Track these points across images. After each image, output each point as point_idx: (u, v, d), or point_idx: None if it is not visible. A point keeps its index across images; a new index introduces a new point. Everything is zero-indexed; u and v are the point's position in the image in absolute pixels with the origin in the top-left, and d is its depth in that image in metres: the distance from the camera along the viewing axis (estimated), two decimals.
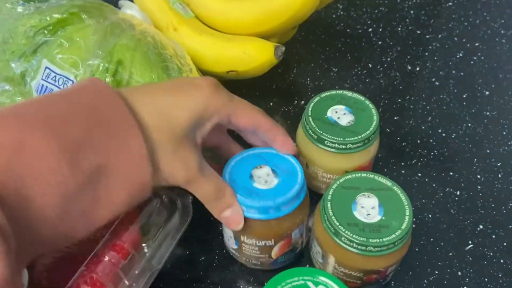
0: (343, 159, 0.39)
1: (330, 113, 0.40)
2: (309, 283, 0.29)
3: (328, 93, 0.42)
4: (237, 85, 0.54)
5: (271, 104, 0.54)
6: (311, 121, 0.39)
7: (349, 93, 0.42)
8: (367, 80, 0.56)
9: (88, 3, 0.39)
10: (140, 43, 0.38)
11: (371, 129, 0.38)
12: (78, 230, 0.27)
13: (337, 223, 0.32)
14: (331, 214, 0.33)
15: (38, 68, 0.37)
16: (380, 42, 0.61)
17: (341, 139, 0.38)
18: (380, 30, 0.62)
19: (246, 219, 0.33)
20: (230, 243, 0.37)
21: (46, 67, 0.37)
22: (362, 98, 0.41)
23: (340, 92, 0.42)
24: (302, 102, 0.54)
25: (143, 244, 0.32)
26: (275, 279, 0.29)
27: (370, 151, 0.40)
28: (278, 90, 0.55)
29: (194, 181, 0.31)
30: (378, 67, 0.57)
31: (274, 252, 0.36)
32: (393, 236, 0.31)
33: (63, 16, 0.37)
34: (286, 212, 0.33)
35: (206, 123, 0.32)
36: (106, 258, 0.29)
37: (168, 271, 0.39)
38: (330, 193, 0.34)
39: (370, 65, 0.58)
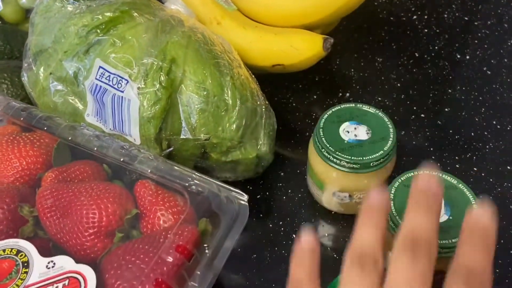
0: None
1: (342, 133, 0.38)
2: None
3: (338, 107, 0.39)
4: (279, 78, 0.53)
5: (315, 97, 0.53)
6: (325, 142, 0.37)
7: (359, 106, 0.39)
8: (414, 70, 0.54)
9: (137, 0, 0.39)
10: (191, 40, 0.38)
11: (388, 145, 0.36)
12: None
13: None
14: (395, 214, 0.32)
15: (91, 68, 0.37)
16: (426, 30, 0.58)
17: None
18: (425, 17, 0.60)
19: None
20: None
21: (100, 67, 0.37)
22: (373, 110, 0.39)
23: (350, 106, 0.39)
24: (347, 94, 0.53)
25: (204, 245, 0.32)
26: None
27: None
28: (322, 83, 0.54)
29: None
30: (426, 56, 0.55)
31: None
32: None
33: (114, 15, 0.37)
34: None
35: None
36: (171, 260, 0.29)
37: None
38: (392, 191, 0.33)
39: (416, 54, 0.56)
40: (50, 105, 0.40)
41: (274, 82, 0.53)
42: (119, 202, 0.33)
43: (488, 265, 0.24)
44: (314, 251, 0.27)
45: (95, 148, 0.36)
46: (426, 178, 0.27)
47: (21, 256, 0.30)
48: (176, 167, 0.35)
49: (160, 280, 0.28)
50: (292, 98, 0.52)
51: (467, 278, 0.24)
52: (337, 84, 0.54)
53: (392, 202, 0.33)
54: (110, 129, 0.38)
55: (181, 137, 0.37)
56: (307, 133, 0.49)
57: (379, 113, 0.38)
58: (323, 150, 0.37)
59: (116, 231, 0.32)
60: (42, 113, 0.39)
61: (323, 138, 0.37)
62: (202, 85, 0.36)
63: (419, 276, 0.24)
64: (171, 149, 0.38)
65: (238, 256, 0.40)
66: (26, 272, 0.29)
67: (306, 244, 0.27)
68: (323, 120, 0.38)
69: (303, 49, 0.44)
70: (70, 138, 0.37)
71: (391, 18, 0.61)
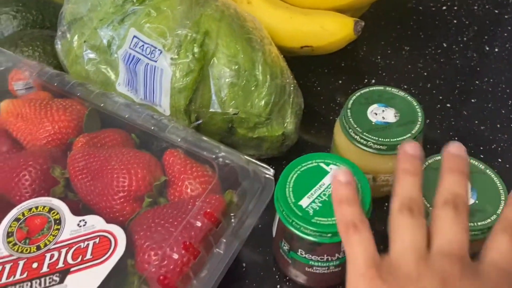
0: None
1: (370, 115, 0.38)
2: (321, 164, 0.34)
3: (367, 89, 0.39)
4: (304, 62, 0.54)
5: (340, 82, 0.53)
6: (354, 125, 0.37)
7: (388, 88, 0.39)
8: (442, 60, 0.54)
9: None
10: (224, 15, 0.38)
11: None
12: None
13: (429, 205, 0.31)
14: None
15: (125, 37, 0.38)
16: (455, 21, 0.58)
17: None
18: (455, 8, 0.59)
19: None
20: None
21: (134, 36, 0.37)
22: (402, 94, 0.39)
23: (379, 88, 0.39)
24: (373, 80, 0.52)
25: (231, 214, 0.32)
26: (291, 165, 0.34)
27: None
28: (348, 68, 0.54)
29: None
30: (454, 47, 0.55)
31: None
32: (489, 220, 0.30)
33: None
34: None
35: None
36: (199, 224, 0.30)
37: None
38: None
39: (444, 45, 0.55)
40: (82, 73, 0.41)
41: (300, 66, 0.53)
42: (148, 168, 0.34)
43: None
44: (351, 183, 0.31)
45: (126, 116, 0.37)
46: (457, 145, 0.31)
47: (53, 213, 0.31)
48: (204, 138, 0.36)
49: (188, 243, 0.29)
50: (317, 82, 0.53)
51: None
52: (363, 70, 0.54)
53: None
54: (140, 99, 0.39)
55: (210, 110, 0.38)
56: (331, 117, 0.50)
57: (408, 97, 0.38)
58: (350, 130, 0.37)
59: (145, 196, 0.33)
60: (75, 80, 0.39)
61: (350, 119, 0.37)
62: (234, 59, 0.37)
63: (463, 228, 0.28)
64: (200, 121, 0.38)
65: (257, 233, 0.41)
66: (58, 229, 0.30)
67: (344, 178, 0.31)
68: (351, 101, 0.38)
69: (334, 31, 0.44)
70: (101, 106, 0.38)
71: (420, 8, 0.60)
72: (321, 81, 0.53)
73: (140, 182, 0.33)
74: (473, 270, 0.27)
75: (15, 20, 0.51)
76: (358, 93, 0.39)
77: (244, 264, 0.39)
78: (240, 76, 0.37)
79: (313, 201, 0.32)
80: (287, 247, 0.34)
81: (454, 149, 0.31)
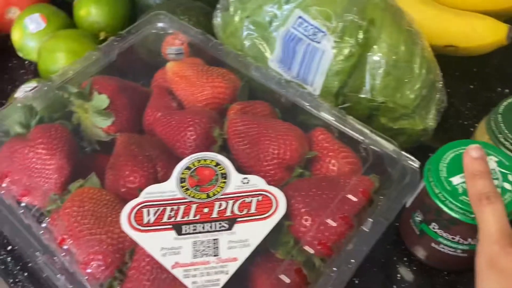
0: None
1: None
2: None
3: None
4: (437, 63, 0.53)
5: (471, 87, 0.52)
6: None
7: None
8: None
9: None
10: (388, 5, 0.39)
11: None
12: None
13: None
14: None
15: (288, 17, 0.40)
16: None
17: None
18: None
19: None
20: None
21: (299, 17, 0.39)
22: None
23: None
24: (507, 90, 0.51)
25: (380, 196, 0.34)
26: (452, 144, 0.35)
27: None
28: (480, 74, 0.53)
29: None
30: None
31: None
32: None
33: None
34: None
35: None
36: (355, 200, 0.32)
37: None
38: None
39: None
40: (237, 46, 0.44)
41: None
42: (300, 141, 0.36)
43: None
44: (483, 158, 0.32)
45: (283, 91, 0.39)
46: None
47: (220, 168, 0.34)
48: (354, 122, 0.37)
49: (344, 215, 0.31)
50: (448, 85, 0.52)
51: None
52: (495, 78, 0.53)
53: None
54: (292, 76, 0.41)
55: (360, 95, 0.39)
56: (460, 120, 0.49)
57: None
58: (500, 136, 0.37)
59: (295, 166, 0.35)
60: (234, 52, 0.42)
61: (501, 124, 0.37)
62: (395, 49, 0.38)
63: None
64: (346, 105, 0.40)
65: None
66: (224, 182, 0.33)
67: (475, 153, 0.33)
68: (503, 106, 0.38)
69: (485, 34, 0.44)
70: (256, 78, 0.40)
71: None
72: (452, 84, 0.52)
73: (294, 153, 0.35)
74: None
75: None
76: (510, 99, 0.39)
77: None
78: (397, 67, 0.38)
79: (465, 182, 0.32)
80: (420, 218, 0.35)
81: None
